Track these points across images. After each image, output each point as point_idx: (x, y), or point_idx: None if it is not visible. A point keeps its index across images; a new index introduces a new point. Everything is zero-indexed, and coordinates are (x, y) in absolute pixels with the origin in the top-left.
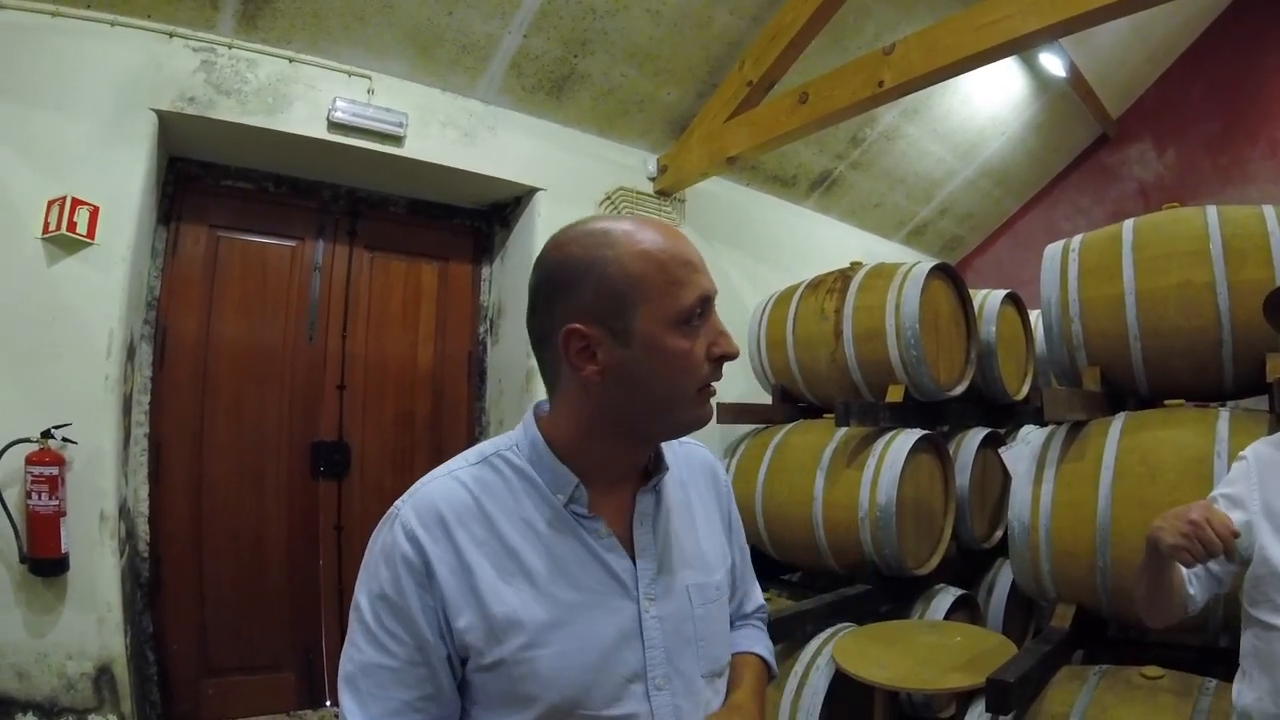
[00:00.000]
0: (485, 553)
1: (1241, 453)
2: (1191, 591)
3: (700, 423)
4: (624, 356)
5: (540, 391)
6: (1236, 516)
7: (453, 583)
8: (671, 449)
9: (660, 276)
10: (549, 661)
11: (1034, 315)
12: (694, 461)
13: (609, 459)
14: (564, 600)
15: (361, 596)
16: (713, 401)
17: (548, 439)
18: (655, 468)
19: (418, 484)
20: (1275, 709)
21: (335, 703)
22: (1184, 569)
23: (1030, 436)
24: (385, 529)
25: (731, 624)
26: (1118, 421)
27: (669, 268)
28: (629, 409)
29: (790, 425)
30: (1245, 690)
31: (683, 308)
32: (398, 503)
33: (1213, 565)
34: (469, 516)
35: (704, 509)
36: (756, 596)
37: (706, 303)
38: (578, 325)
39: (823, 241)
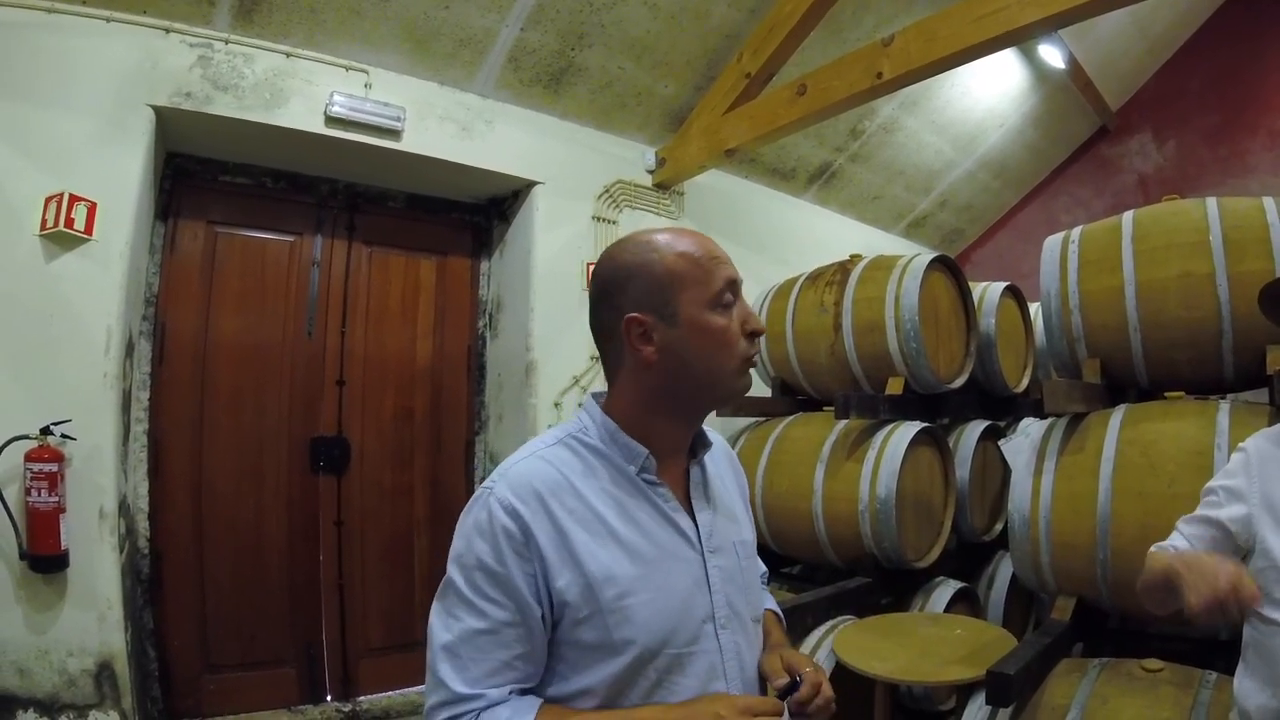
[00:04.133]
0: (576, 519)
1: (1241, 445)
2: None
3: (743, 391)
4: (674, 336)
5: (540, 385)
6: (1237, 509)
7: (551, 548)
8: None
9: (695, 269)
10: (641, 608)
11: (1034, 308)
12: (717, 445)
13: (666, 434)
14: (646, 555)
15: (456, 571)
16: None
17: (615, 420)
18: (701, 443)
19: (505, 464)
20: (1271, 700)
21: (336, 697)
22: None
23: (1030, 429)
24: (478, 507)
25: None
26: (1118, 413)
27: (701, 262)
28: (683, 381)
29: (790, 418)
30: (1245, 679)
31: (715, 291)
32: (488, 482)
33: (1209, 518)
34: (559, 489)
35: (730, 484)
36: (761, 565)
37: (734, 286)
38: (635, 314)
39: (822, 234)
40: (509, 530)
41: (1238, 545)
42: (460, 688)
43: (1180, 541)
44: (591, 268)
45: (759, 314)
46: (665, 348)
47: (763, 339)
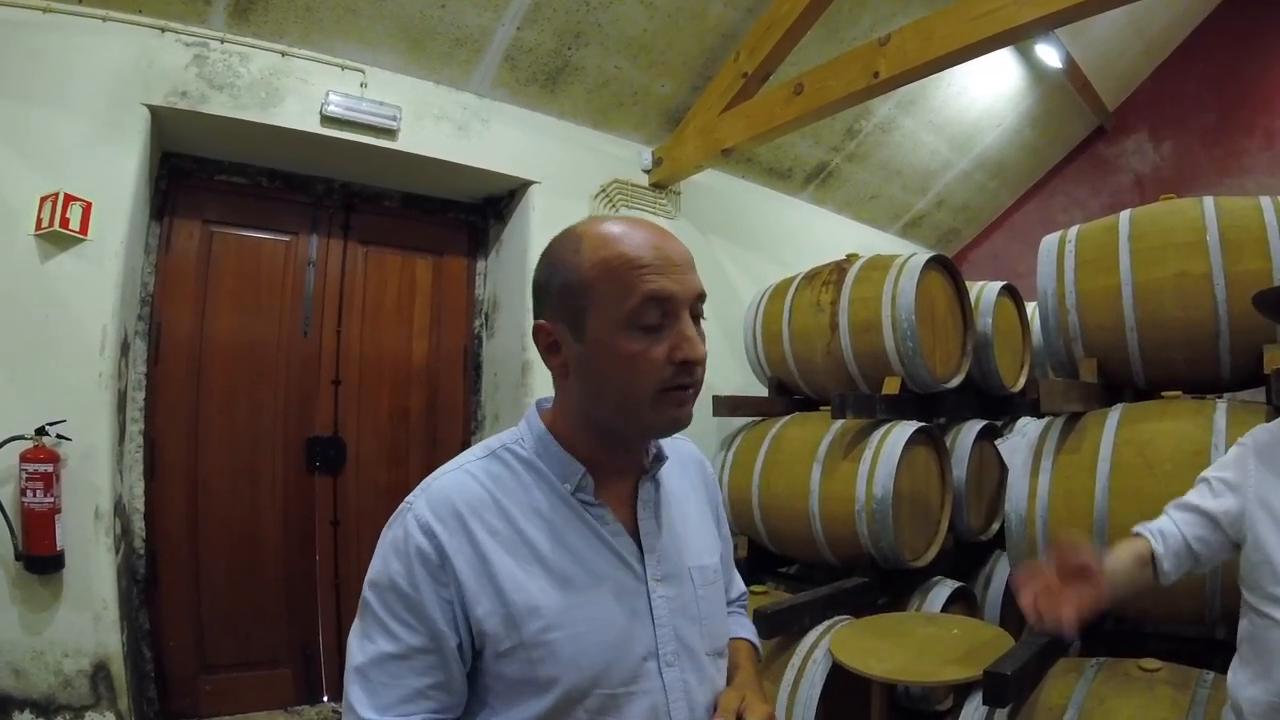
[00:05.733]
0: (500, 542)
1: (1241, 439)
2: (1166, 568)
3: (673, 426)
4: (580, 353)
5: (536, 385)
6: (1230, 502)
7: (470, 573)
8: (664, 445)
9: (609, 279)
10: (568, 643)
11: (1031, 307)
12: (683, 454)
13: (605, 450)
14: (578, 584)
15: (370, 590)
16: (695, 405)
17: (552, 432)
18: (655, 459)
19: (429, 479)
20: (1263, 694)
21: (333, 698)
22: (1155, 548)
23: (1027, 428)
24: (397, 523)
25: None
26: (1115, 413)
27: (619, 271)
28: (596, 406)
29: (786, 418)
30: (1238, 670)
31: (629, 309)
32: (410, 498)
33: (1194, 543)
34: (482, 508)
35: (695, 498)
36: (739, 584)
37: (664, 302)
38: (544, 321)
39: (818, 234)
40: (423, 552)
41: (1226, 536)
42: (368, 714)
43: (1168, 525)
44: None
45: (755, 314)
46: (573, 364)
47: (760, 339)
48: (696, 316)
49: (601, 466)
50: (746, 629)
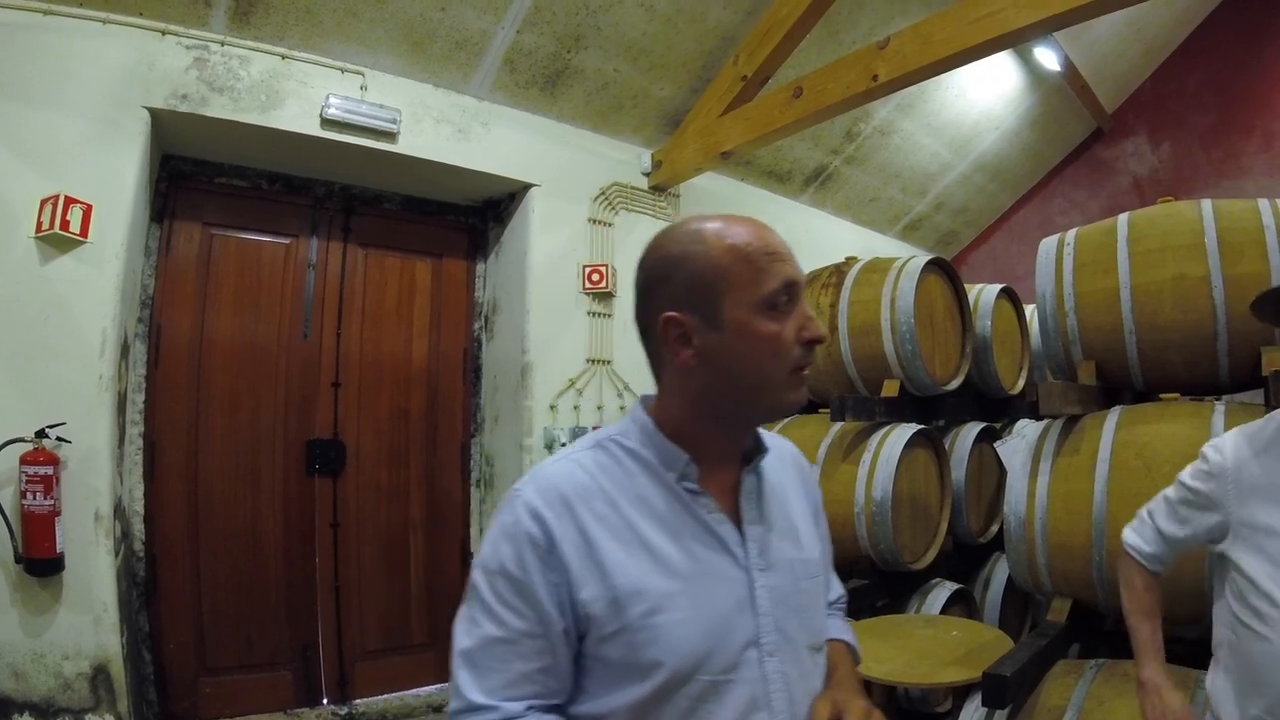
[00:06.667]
0: (606, 528)
1: (1217, 445)
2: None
3: (795, 406)
4: (716, 341)
5: (536, 387)
6: (1210, 519)
7: (576, 557)
8: (765, 438)
9: (745, 266)
10: (671, 627)
11: (1029, 310)
12: (782, 451)
13: (712, 441)
14: (682, 570)
15: (479, 575)
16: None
17: (657, 423)
18: (756, 449)
19: (537, 468)
20: (1252, 710)
21: (333, 700)
22: (1155, 568)
23: (1026, 431)
24: (506, 510)
25: None
26: (1113, 415)
27: (753, 258)
28: (725, 392)
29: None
30: (1218, 679)
31: (767, 293)
32: (518, 485)
33: (1169, 537)
34: (589, 495)
35: (795, 493)
36: (837, 586)
37: (792, 287)
38: (673, 313)
39: (817, 236)
40: (533, 536)
41: (1211, 540)
42: (476, 697)
43: (1156, 546)
44: (587, 269)
45: None
46: (706, 353)
47: None
48: None
49: (706, 457)
50: (845, 631)
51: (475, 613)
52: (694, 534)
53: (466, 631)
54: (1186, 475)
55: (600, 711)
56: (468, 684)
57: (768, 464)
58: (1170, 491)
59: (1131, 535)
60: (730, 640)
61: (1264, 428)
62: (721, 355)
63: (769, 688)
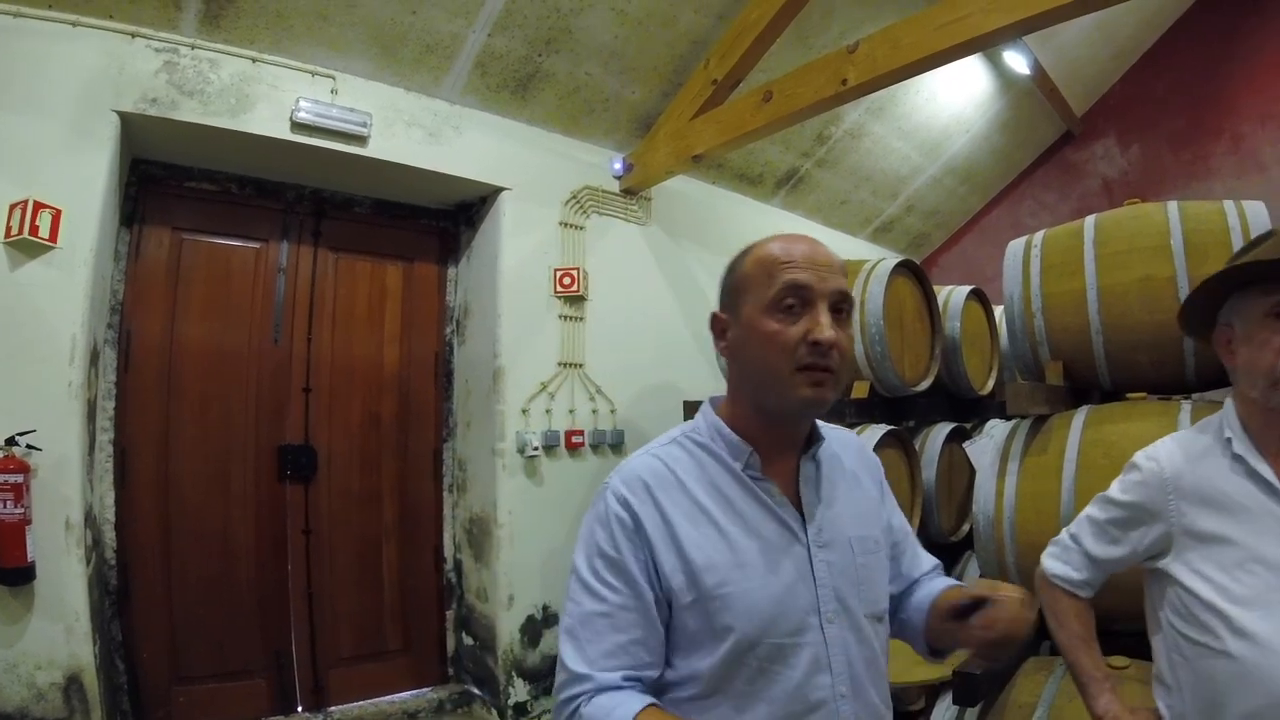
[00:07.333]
0: (681, 511)
1: (1150, 454)
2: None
3: (808, 404)
4: (736, 334)
5: (509, 391)
6: (1149, 532)
7: (658, 535)
8: (824, 430)
9: (759, 272)
10: (740, 596)
11: (999, 311)
12: (845, 440)
13: (767, 432)
14: (748, 546)
15: (579, 559)
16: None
17: (724, 420)
18: (813, 440)
19: (623, 463)
20: None
21: (308, 708)
22: (1071, 593)
23: (994, 430)
24: (599, 500)
25: (917, 583)
26: (1080, 415)
27: (768, 265)
28: (748, 382)
29: None
30: (1167, 700)
31: (773, 294)
32: (608, 478)
33: (1101, 560)
34: (667, 483)
35: (857, 477)
36: (927, 557)
37: (799, 291)
38: (717, 312)
39: None
40: (621, 518)
41: (1151, 556)
42: (577, 666)
43: (1086, 571)
44: (559, 273)
45: None
46: (733, 346)
47: None
48: (838, 311)
49: (767, 448)
50: (938, 582)
51: (575, 593)
52: (759, 515)
53: (569, 611)
54: (1116, 490)
55: (683, 676)
56: (570, 656)
57: (826, 453)
58: (1095, 511)
59: (1055, 564)
60: (793, 607)
61: (1198, 435)
62: (739, 349)
63: (830, 650)
